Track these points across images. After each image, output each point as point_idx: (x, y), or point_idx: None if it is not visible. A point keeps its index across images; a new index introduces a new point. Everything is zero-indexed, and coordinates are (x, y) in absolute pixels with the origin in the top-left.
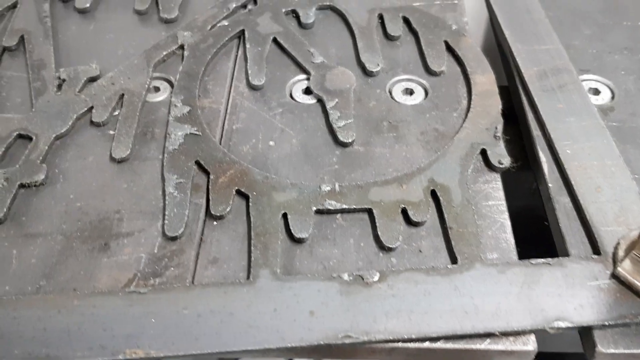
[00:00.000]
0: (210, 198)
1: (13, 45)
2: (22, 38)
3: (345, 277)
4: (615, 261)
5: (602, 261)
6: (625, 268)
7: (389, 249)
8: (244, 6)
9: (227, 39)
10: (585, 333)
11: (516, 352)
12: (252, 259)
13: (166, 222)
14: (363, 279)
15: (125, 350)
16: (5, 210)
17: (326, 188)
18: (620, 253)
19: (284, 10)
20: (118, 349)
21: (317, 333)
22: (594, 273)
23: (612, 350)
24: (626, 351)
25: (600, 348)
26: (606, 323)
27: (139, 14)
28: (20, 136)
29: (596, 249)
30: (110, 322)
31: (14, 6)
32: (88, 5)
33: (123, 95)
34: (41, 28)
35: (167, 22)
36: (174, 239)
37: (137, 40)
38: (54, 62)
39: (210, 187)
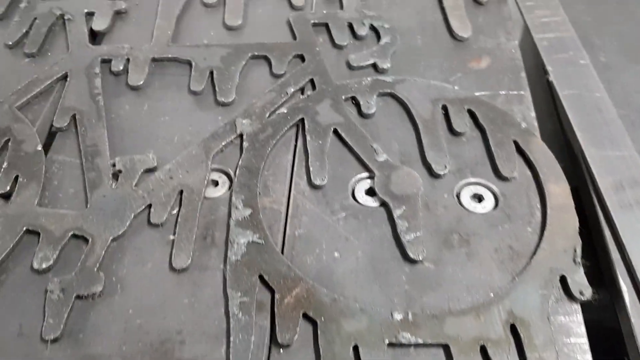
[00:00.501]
0: (277, 323)
1: (64, 125)
2: (73, 117)
3: None
4: None
5: None
6: None
7: None
8: (302, 90)
9: (286, 128)
10: None
11: None
12: None
13: (231, 350)
14: None
15: None
16: (62, 326)
17: (398, 317)
18: None
19: (343, 97)
20: None
21: None
22: None
23: None
24: None
25: None
26: None
27: (195, 94)
28: (74, 236)
29: None
30: None
31: (64, 78)
32: (141, 82)
33: (182, 191)
34: (94, 107)
35: (223, 105)
36: None
37: (193, 125)
38: (108, 148)
39: (275, 309)
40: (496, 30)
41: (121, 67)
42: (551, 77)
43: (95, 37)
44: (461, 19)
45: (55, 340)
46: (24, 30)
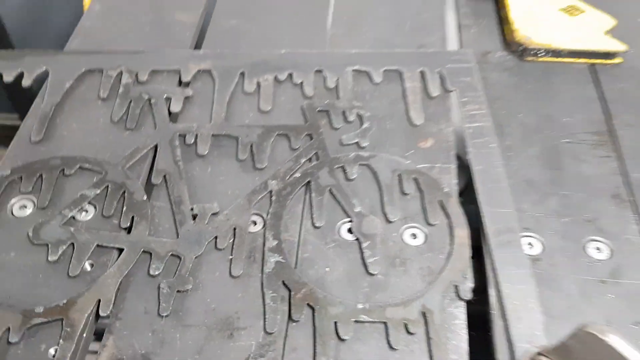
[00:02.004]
0: (292, 308)
1: (159, 182)
2: (164, 177)
3: None
4: None
5: None
6: None
7: (395, 349)
8: (310, 160)
9: (299, 187)
10: None
11: None
12: (316, 351)
13: (266, 322)
14: None
15: None
16: (170, 308)
17: (360, 306)
18: None
19: (336, 166)
20: None
21: None
22: None
23: None
24: None
25: None
26: None
27: (240, 161)
28: (172, 255)
29: (513, 358)
30: None
31: (155, 148)
32: (206, 152)
33: (235, 228)
34: (177, 169)
35: (259, 170)
36: (270, 333)
37: (239, 184)
38: (188, 198)
39: (291, 300)
40: (439, 119)
41: (192, 141)
42: (469, 156)
43: (170, 115)
44: (417, 110)
45: (166, 316)
46: (124, 110)
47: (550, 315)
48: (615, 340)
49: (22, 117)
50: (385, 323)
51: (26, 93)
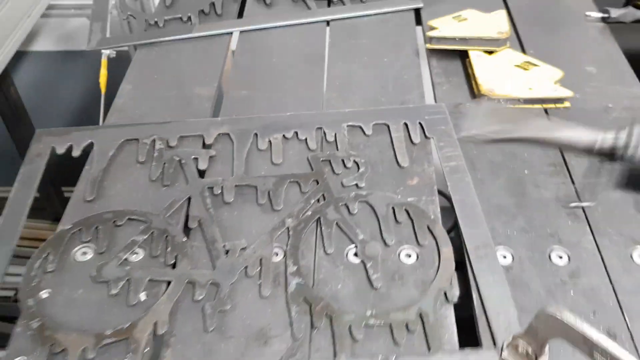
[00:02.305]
0: (313, 318)
1: (194, 226)
2: (198, 222)
3: (380, 358)
4: (501, 351)
5: (497, 351)
6: (504, 355)
7: (399, 345)
8: (318, 200)
9: (311, 222)
10: None
11: None
12: (336, 350)
13: (293, 330)
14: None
15: None
16: (214, 325)
17: (368, 313)
18: (504, 347)
19: (340, 204)
20: None
21: None
22: (492, 355)
23: None
24: None
25: None
26: None
27: (260, 205)
28: (212, 283)
29: (495, 344)
30: None
31: (188, 199)
32: (232, 200)
33: (261, 259)
34: (208, 215)
35: (276, 211)
36: (297, 339)
37: (261, 223)
38: (221, 238)
39: (312, 312)
40: (422, 161)
41: (219, 191)
42: (449, 189)
43: (199, 172)
44: (403, 155)
45: (211, 331)
46: (160, 170)
47: (523, 310)
48: (568, 317)
49: (41, 193)
50: (390, 325)
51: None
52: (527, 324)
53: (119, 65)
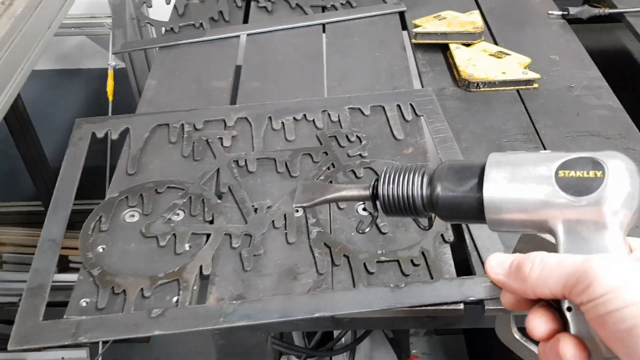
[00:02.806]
0: (333, 257)
1: (225, 191)
2: (229, 188)
3: (392, 285)
4: None
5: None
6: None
7: (406, 275)
8: (328, 168)
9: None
10: (482, 302)
11: (451, 310)
12: (354, 280)
13: (318, 267)
14: (398, 286)
15: (314, 314)
16: (251, 266)
17: (379, 252)
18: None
19: (347, 170)
20: (309, 312)
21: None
22: (485, 280)
23: (490, 308)
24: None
25: (486, 307)
26: (488, 297)
27: (279, 173)
28: (245, 234)
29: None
30: (303, 303)
31: (217, 170)
32: (255, 170)
33: (285, 215)
34: (237, 182)
35: (294, 177)
36: (321, 274)
37: (282, 188)
38: (249, 199)
39: (332, 253)
40: (415, 134)
41: (243, 164)
42: (439, 155)
43: (224, 149)
44: (399, 129)
45: (249, 271)
46: (190, 148)
47: (507, 247)
48: (548, 237)
49: (44, 204)
50: (397, 261)
51: (47, 183)
52: (513, 249)
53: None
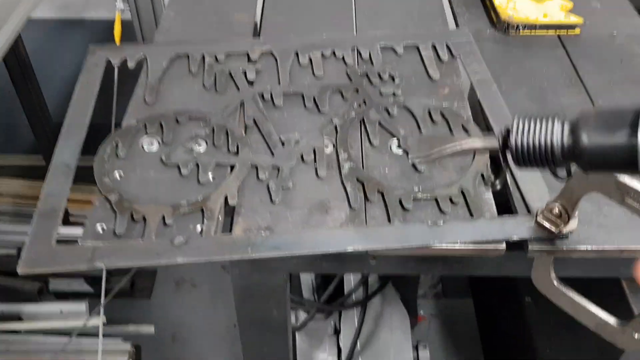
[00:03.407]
0: (366, 193)
1: (251, 124)
2: (254, 120)
3: (429, 222)
4: (536, 215)
5: (532, 216)
6: (539, 219)
7: (445, 213)
8: (360, 105)
9: (356, 121)
10: (525, 242)
11: (493, 249)
12: (390, 216)
13: (350, 201)
14: (436, 224)
15: (347, 248)
16: (279, 198)
17: (415, 189)
18: (538, 212)
19: (380, 108)
20: (342, 246)
21: None
22: (528, 219)
23: (533, 248)
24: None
25: (530, 247)
26: (531, 237)
27: (307, 109)
28: (272, 167)
29: (530, 212)
30: (336, 236)
31: (242, 103)
32: (281, 104)
33: (314, 149)
34: (262, 115)
35: (322, 113)
36: (354, 209)
37: (310, 123)
38: (275, 132)
39: (365, 189)
40: (451, 75)
41: (269, 97)
42: (478, 97)
43: (248, 83)
44: (434, 69)
45: (278, 203)
46: (212, 80)
47: (551, 189)
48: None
49: (45, 157)
50: (435, 198)
51: (49, 137)
52: (563, 188)
53: None
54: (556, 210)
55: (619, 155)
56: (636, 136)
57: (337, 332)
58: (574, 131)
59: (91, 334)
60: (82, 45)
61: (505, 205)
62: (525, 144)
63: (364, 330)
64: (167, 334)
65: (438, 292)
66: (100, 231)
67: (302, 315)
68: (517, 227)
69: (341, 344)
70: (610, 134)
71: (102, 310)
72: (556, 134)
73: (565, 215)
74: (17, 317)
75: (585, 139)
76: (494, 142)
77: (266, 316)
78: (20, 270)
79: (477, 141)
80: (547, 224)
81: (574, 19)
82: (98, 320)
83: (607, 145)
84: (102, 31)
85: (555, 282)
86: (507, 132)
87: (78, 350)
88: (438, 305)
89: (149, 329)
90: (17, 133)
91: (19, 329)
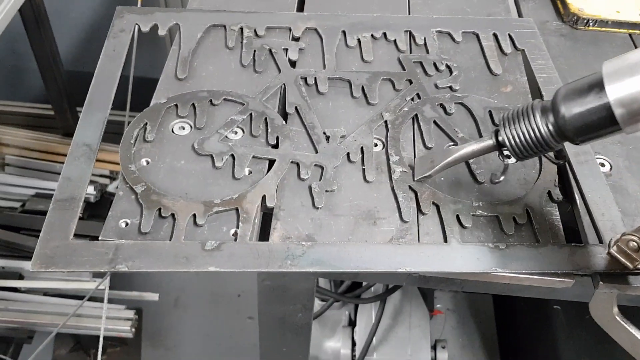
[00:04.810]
0: (420, 204)
1: (292, 112)
2: (295, 108)
3: (491, 245)
4: (609, 247)
5: (604, 247)
6: (612, 251)
7: (508, 235)
8: (413, 99)
9: (408, 118)
10: (594, 275)
11: (560, 282)
12: (446, 234)
13: (402, 213)
14: (497, 247)
15: (398, 269)
16: (323, 203)
17: (475, 204)
18: (612, 244)
19: (436, 103)
20: (392, 266)
21: None
22: (600, 251)
23: (604, 284)
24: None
25: (601, 282)
26: (604, 271)
27: (354, 98)
28: (316, 165)
29: (601, 242)
30: (385, 254)
31: (282, 87)
32: (326, 91)
33: (362, 148)
34: (305, 103)
35: (371, 105)
36: (406, 222)
37: (357, 115)
38: (319, 124)
39: (419, 199)
40: (515, 70)
41: (312, 82)
42: (544, 98)
43: (290, 62)
44: (496, 63)
45: (320, 209)
46: (251, 57)
47: (624, 214)
48: None
49: (55, 107)
50: (497, 216)
51: (59, 86)
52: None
53: None
54: (633, 244)
55: (598, 115)
56: (605, 93)
57: (351, 323)
58: (554, 109)
59: (94, 297)
60: None
61: (569, 226)
62: (515, 134)
63: (381, 324)
64: (169, 299)
65: None
66: (124, 226)
67: (316, 302)
68: (588, 259)
69: (356, 337)
70: (585, 100)
71: (108, 277)
72: (538, 116)
73: None
74: (18, 275)
75: (564, 111)
76: (489, 142)
77: (290, 318)
78: (32, 267)
79: (473, 145)
80: (622, 258)
81: None
82: (102, 286)
83: (584, 110)
84: None
85: (617, 317)
86: (497, 131)
87: (79, 314)
88: (455, 299)
89: (153, 296)
90: (25, 80)
91: (19, 286)
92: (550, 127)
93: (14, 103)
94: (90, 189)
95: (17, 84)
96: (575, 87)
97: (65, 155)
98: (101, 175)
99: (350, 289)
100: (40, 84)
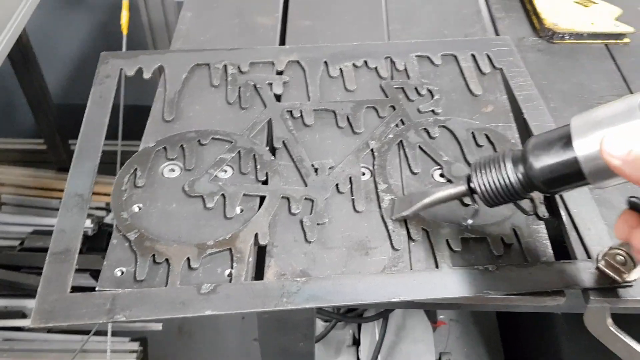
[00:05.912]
0: (410, 231)
1: (280, 146)
2: (283, 143)
3: (481, 267)
4: (597, 261)
5: (592, 262)
6: (600, 265)
7: (497, 256)
8: (397, 125)
9: (394, 145)
10: (585, 290)
11: (551, 300)
12: (437, 260)
13: (393, 242)
14: (487, 269)
15: (392, 299)
16: (315, 236)
17: (464, 224)
18: (600, 258)
19: (420, 128)
20: (386, 296)
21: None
22: (589, 266)
23: (595, 298)
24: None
25: (591, 297)
26: (593, 287)
27: (340, 128)
28: (306, 199)
29: (589, 256)
30: (379, 284)
31: (269, 121)
32: (312, 123)
33: (351, 177)
34: (292, 136)
35: (357, 134)
36: (397, 250)
37: (344, 145)
38: (307, 157)
39: (408, 225)
40: (494, 90)
41: (298, 115)
42: (525, 116)
43: (275, 97)
44: (475, 83)
45: (313, 242)
46: (236, 94)
47: (610, 227)
48: None
49: (47, 142)
50: (485, 238)
51: (50, 119)
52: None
53: None
54: (620, 258)
55: (566, 169)
56: (572, 148)
57: (355, 342)
58: (524, 159)
59: (98, 331)
60: (84, 25)
61: (558, 240)
62: (486, 182)
63: (385, 341)
64: (173, 326)
65: None
66: (119, 275)
67: (319, 323)
68: (577, 275)
69: (361, 356)
70: (554, 153)
71: None
72: (509, 168)
73: (631, 263)
74: (21, 314)
75: (534, 163)
76: (462, 188)
77: (292, 347)
78: (33, 324)
79: (450, 189)
80: (610, 272)
81: (623, 28)
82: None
83: (553, 163)
84: (105, 10)
85: (612, 328)
86: (469, 176)
87: (84, 349)
88: (459, 310)
89: (157, 325)
90: (16, 116)
91: (23, 326)
92: (520, 177)
93: (7, 140)
94: (88, 222)
95: (8, 121)
96: (545, 139)
97: (61, 190)
98: (97, 208)
99: (352, 308)
100: (31, 119)
